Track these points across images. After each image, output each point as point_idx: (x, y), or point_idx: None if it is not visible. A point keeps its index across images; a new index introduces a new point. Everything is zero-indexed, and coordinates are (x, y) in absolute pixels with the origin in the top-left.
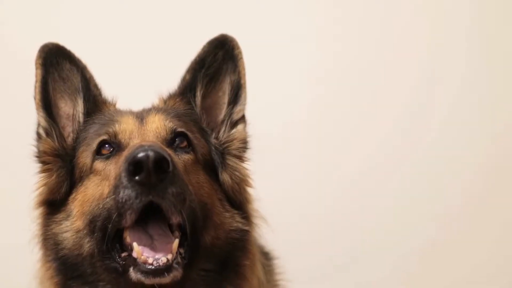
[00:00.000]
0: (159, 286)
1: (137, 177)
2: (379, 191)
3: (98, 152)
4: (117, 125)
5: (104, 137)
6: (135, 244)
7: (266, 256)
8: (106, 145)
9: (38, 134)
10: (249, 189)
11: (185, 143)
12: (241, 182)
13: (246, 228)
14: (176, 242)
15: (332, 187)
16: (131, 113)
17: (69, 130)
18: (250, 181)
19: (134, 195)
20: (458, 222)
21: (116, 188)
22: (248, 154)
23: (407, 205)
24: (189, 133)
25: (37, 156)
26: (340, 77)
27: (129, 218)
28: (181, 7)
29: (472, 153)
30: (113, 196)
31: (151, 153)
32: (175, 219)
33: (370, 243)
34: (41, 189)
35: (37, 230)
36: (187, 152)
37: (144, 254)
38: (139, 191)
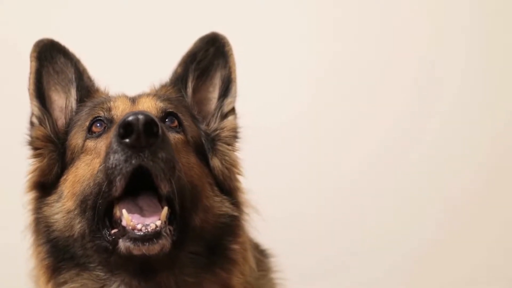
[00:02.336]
0: (147, 263)
1: (127, 140)
2: (378, 190)
3: (89, 130)
4: (111, 102)
5: (98, 114)
6: (124, 211)
7: (263, 254)
8: (98, 124)
9: (31, 122)
10: (239, 178)
11: (175, 123)
12: (232, 168)
13: (235, 213)
14: (165, 209)
15: (330, 186)
16: (123, 95)
17: (62, 122)
18: (241, 168)
19: (124, 158)
20: (458, 221)
21: (106, 156)
22: (239, 144)
23: (406, 204)
24: (179, 114)
25: (29, 143)
26: (339, 76)
27: (119, 185)
28: (177, 4)
29: (472, 153)
30: (103, 165)
31: (141, 116)
32: (164, 188)
33: (369, 242)
34: (32, 172)
35: (29, 217)
36: (178, 132)
37: (133, 220)
38: (128, 154)
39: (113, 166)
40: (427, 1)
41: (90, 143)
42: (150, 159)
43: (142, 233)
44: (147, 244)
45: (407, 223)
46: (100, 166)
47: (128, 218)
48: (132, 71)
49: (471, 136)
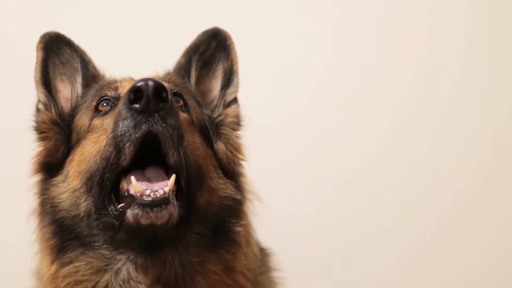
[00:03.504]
0: (153, 239)
1: (137, 105)
2: (378, 190)
3: (96, 109)
4: (118, 83)
5: (105, 93)
6: (133, 178)
7: (263, 253)
8: (105, 103)
9: (37, 109)
10: (242, 162)
11: (181, 103)
12: (235, 151)
13: (239, 197)
14: (173, 177)
15: (330, 186)
16: (130, 77)
17: (67, 109)
18: (244, 154)
19: (133, 124)
20: (458, 221)
21: (115, 125)
22: (242, 129)
23: (406, 204)
24: (184, 95)
25: (35, 127)
26: (339, 75)
27: (128, 153)
28: (180, 5)
29: (472, 152)
30: (111, 135)
31: (150, 82)
32: (172, 157)
33: (369, 242)
34: (38, 154)
35: (35, 200)
36: (183, 111)
37: (141, 186)
38: (137, 120)
39: (122, 133)
40: (427, 1)
41: (96, 121)
42: (159, 124)
43: (150, 199)
44: (155, 210)
45: (407, 223)
46: (107, 138)
47: (137, 184)
48: (134, 66)
49: (471, 136)
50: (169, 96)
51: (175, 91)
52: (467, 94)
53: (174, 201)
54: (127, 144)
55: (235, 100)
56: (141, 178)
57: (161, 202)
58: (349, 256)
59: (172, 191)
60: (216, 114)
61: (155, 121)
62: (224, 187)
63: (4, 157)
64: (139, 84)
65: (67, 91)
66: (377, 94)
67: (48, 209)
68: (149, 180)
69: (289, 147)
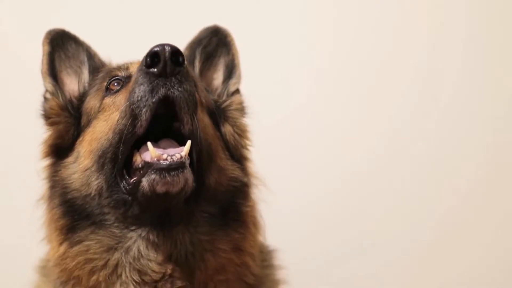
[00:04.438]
0: (166, 212)
1: (153, 69)
2: (377, 189)
3: (107, 89)
4: (128, 64)
5: (116, 73)
6: (149, 144)
7: (266, 249)
8: (116, 83)
9: (45, 98)
10: (248, 145)
11: None
12: (242, 133)
13: (246, 180)
14: (188, 143)
15: (329, 184)
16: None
17: (75, 96)
18: (250, 137)
19: (150, 89)
20: (458, 221)
21: (130, 93)
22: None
23: (406, 203)
24: (193, 76)
25: (43, 115)
26: (338, 74)
27: (144, 119)
28: (181, 6)
29: (472, 152)
30: (126, 103)
31: (167, 47)
32: (187, 124)
33: (369, 239)
34: (48, 137)
35: (44, 185)
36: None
37: (158, 151)
38: (154, 84)
39: (139, 98)
40: (427, 1)
41: (108, 100)
42: (176, 88)
43: (167, 162)
44: (173, 173)
45: (406, 222)
46: (123, 108)
47: (153, 149)
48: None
49: (471, 135)
50: (185, 61)
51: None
52: (467, 94)
53: (189, 168)
54: (144, 110)
55: (237, 91)
56: (156, 147)
57: (178, 166)
58: (349, 254)
59: (187, 157)
60: (221, 100)
61: (172, 85)
62: (232, 168)
63: (4, 157)
64: (156, 49)
65: (73, 85)
66: (377, 93)
67: (59, 191)
68: (164, 149)
69: (288, 146)
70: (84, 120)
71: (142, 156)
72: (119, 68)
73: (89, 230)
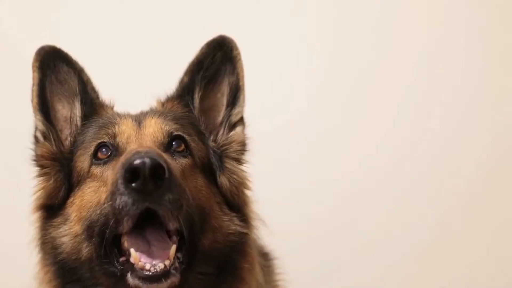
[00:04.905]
0: None
1: (133, 184)
2: (379, 191)
3: (95, 156)
4: (116, 127)
5: (103, 139)
6: (132, 250)
7: (266, 257)
8: (104, 149)
9: (35, 137)
10: (247, 192)
11: (182, 147)
12: (240, 185)
13: (245, 231)
14: (173, 248)
15: (331, 187)
16: (129, 116)
17: (66, 133)
18: (249, 183)
19: (131, 201)
20: (458, 221)
21: (113, 195)
22: (247, 156)
23: (407, 205)
24: (186, 136)
25: (34, 160)
26: (339, 76)
27: (126, 225)
28: (179, 8)
29: (472, 153)
30: (110, 203)
31: (147, 160)
32: (172, 225)
33: (370, 243)
34: (39, 193)
35: (35, 234)
36: (185, 156)
37: (141, 260)
38: (135, 198)
39: (120, 207)
40: (427, 1)
41: (96, 170)
42: (157, 201)
43: (150, 273)
44: (155, 283)
45: (407, 224)
46: (106, 200)
47: (137, 257)
48: (137, 75)
49: (471, 136)
50: (167, 173)
51: (177, 133)
52: (467, 95)
53: (176, 264)
54: (126, 218)
55: (241, 121)
56: (141, 241)
57: (161, 276)
58: (348, 257)
59: (174, 257)
60: (220, 143)
61: (153, 199)
62: (229, 223)
63: (4, 157)
64: (136, 162)
65: (66, 110)
66: (378, 95)
67: (49, 250)
68: (149, 244)
69: (289, 151)
70: (74, 177)
71: (128, 244)
72: (106, 131)
73: None
